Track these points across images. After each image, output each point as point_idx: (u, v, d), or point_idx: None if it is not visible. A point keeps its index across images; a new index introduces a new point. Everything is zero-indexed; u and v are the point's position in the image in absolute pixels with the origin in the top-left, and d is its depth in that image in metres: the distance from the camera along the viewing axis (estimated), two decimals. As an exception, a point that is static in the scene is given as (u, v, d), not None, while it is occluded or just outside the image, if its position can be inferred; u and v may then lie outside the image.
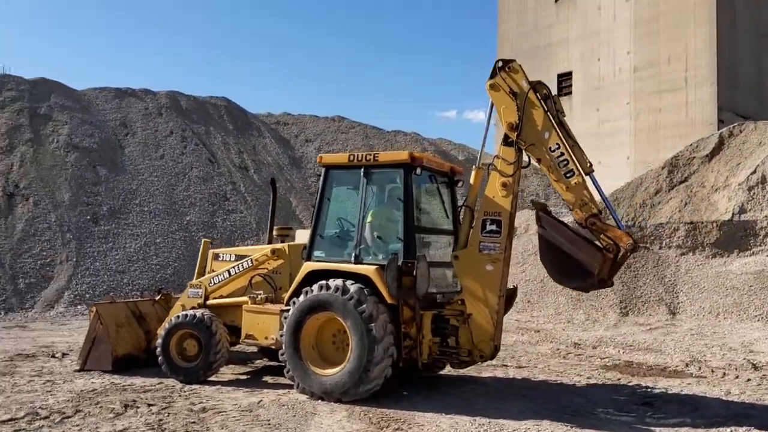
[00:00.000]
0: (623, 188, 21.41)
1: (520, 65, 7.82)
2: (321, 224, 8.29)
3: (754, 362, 10.69)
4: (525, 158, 7.79)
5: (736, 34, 31.03)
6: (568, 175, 7.40)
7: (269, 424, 6.69)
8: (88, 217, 19.81)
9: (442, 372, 9.31)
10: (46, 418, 6.74)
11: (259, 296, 8.73)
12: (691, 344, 12.92)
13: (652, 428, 6.75)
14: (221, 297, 9.27)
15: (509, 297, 8.26)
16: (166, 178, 22.85)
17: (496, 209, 7.69)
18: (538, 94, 7.62)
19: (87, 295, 16.44)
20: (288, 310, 7.94)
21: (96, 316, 9.40)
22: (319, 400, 7.60)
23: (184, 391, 8.15)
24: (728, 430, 6.67)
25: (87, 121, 23.87)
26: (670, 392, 8.49)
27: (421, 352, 7.76)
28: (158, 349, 8.88)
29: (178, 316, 8.91)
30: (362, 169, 8.08)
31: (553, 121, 7.54)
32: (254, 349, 10.25)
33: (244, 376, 9.31)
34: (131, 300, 10.54)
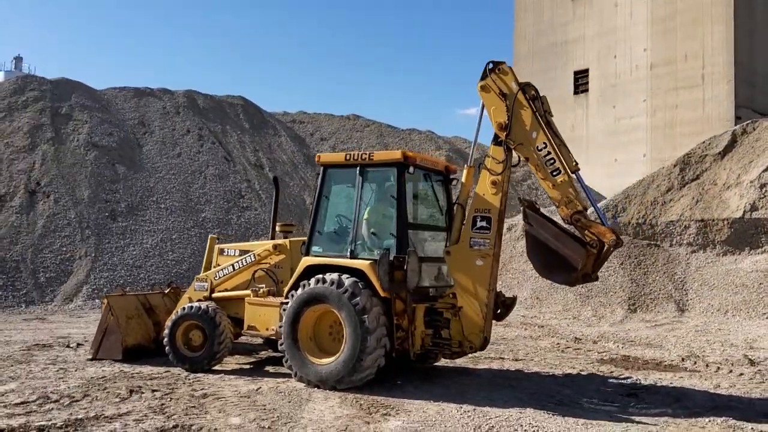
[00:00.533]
0: (635, 186, 21.42)
1: (510, 67, 8.07)
2: (319, 221, 8.65)
3: (752, 358, 10.81)
4: (515, 157, 8.06)
5: (753, 31, 30.83)
6: (554, 173, 7.65)
7: (265, 408, 7.06)
8: (107, 214, 20.40)
9: (438, 364, 9.61)
10: (56, 401, 7.17)
11: (261, 289, 9.11)
12: (693, 340, 13.05)
13: (633, 417, 6.98)
14: (226, 290, 9.66)
15: (508, 305, 8.55)
16: (182, 176, 23.38)
17: (486, 206, 7.97)
18: (526, 95, 7.88)
19: (105, 289, 16.96)
20: (287, 303, 8.30)
21: (107, 308, 9.86)
22: (315, 388, 7.95)
23: (188, 379, 8.55)
24: (706, 420, 6.89)
25: (106, 120, 24.49)
26: (658, 385, 8.70)
27: (413, 343, 8.07)
28: (165, 339, 9.29)
29: (184, 308, 9.32)
30: (358, 168, 8.41)
31: (540, 121, 7.79)
32: (260, 340, 10.62)
33: (247, 366, 9.70)
34: (142, 293, 10.97)
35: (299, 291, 8.19)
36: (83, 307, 16.81)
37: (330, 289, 7.92)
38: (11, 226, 18.86)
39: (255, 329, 9.07)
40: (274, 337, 8.82)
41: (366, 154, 8.46)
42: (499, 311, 8.52)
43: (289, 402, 7.36)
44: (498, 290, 8.57)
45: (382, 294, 7.84)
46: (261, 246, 9.63)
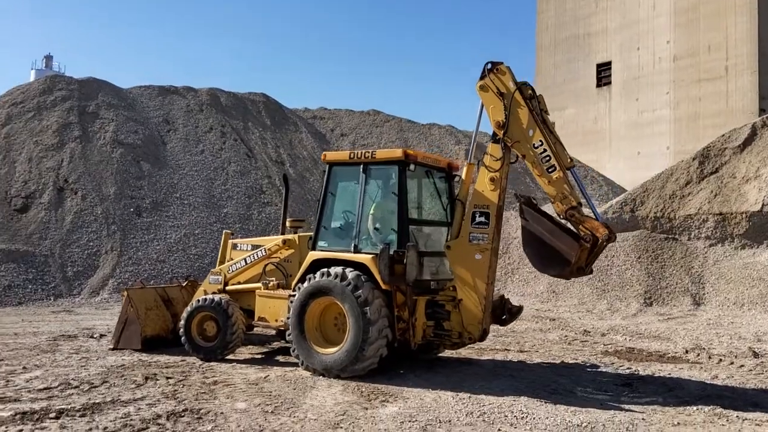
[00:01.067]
0: (653, 179, 21.39)
1: (508, 67, 8.33)
2: (325, 217, 9.02)
3: (757, 350, 10.90)
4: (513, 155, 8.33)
5: (777, 21, 30.38)
6: (549, 170, 7.90)
7: (270, 395, 7.45)
8: (132, 210, 21.05)
9: (442, 354, 9.92)
10: (76, 387, 7.65)
11: (271, 282, 9.53)
12: (703, 333, 13.13)
13: (622, 405, 7.21)
14: (239, 283, 10.09)
15: (514, 313, 8.82)
16: (205, 173, 23.96)
17: (485, 202, 8.26)
18: (523, 95, 8.13)
19: (130, 283, 17.55)
20: (294, 295, 8.70)
21: (127, 300, 10.35)
22: (321, 376, 8.33)
23: (202, 367, 9.00)
24: (694, 408, 7.11)
25: (132, 118, 25.18)
26: (655, 375, 8.90)
27: (414, 334, 8.40)
28: (181, 330, 9.75)
29: (199, 300, 9.78)
30: (361, 166, 8.77)
31: (536, 120, 8.04)
32: (272, 332, 11.03)
33: (259, 356, 10.11)
34: (160, 285, 11.45)
35: (305, 284, 8.57)
36: (109, 300, 17.44)
37: (334, 282, 8.29)
38: (41, 222, 19.59)
39: (265, 320, 9.49)
40: (282, 328, 9.22)
41: (369, 152, 8.83)
42: (504, 317, 8.80)
43: (294, 389, 7.74)
44: (506, 297, 8.88)
45: (383, 287, 8.18)
46: (271, 241, 10.03)
